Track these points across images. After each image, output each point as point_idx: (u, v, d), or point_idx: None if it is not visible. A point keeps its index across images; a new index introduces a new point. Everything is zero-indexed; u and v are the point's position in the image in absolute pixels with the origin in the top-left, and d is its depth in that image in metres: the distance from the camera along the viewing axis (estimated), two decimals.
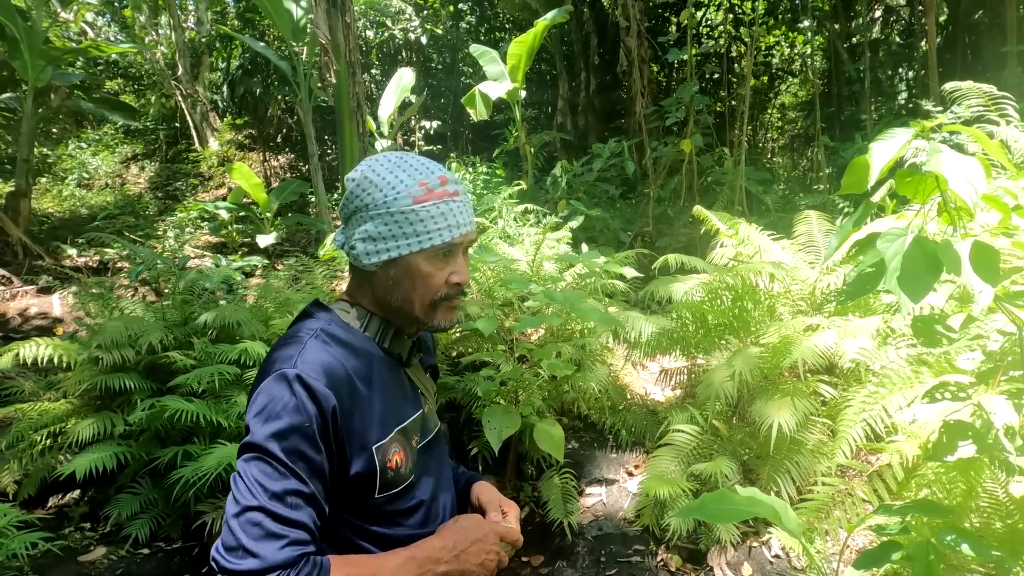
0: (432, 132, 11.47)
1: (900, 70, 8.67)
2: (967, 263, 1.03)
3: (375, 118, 9.12)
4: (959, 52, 7.40)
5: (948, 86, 3.39)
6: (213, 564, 0.93)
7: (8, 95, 8.94)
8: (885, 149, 1.16)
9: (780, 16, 8.59)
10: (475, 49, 8.05)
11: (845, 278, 3.16)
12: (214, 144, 11.90)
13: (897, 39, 8.77)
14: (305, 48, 8.28)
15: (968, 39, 7.35)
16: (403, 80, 9.17)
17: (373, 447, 1.05)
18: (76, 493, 3.24)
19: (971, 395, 1.27)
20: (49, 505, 3.22)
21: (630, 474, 3.54)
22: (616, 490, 3.42)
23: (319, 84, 8.47)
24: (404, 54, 11.93)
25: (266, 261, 7.18)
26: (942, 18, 8.02)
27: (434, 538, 1.10)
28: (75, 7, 10.61)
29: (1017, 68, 5.96)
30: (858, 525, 1.27)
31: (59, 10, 9.80)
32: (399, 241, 1.05)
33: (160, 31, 12.47)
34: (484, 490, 1.28)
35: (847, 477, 2.53)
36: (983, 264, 1.03)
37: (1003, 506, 1.66)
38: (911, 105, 7.66)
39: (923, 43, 7.82)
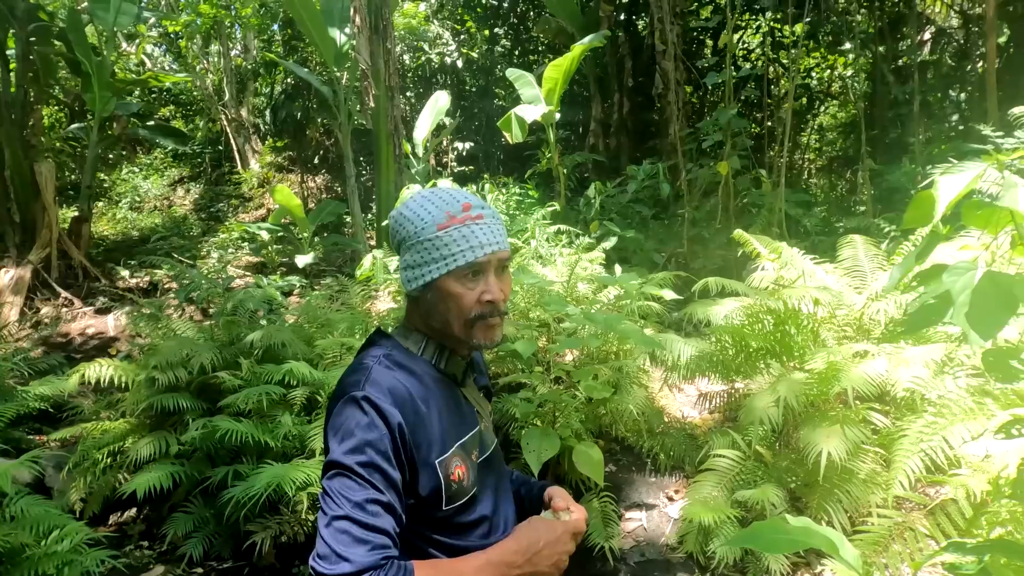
0: (465, 153, 11.64)
1: (951, 92, 8.50)
2: None
3: (410, 140, 9.30)
4: (1020, 75, 7.19)
5: (1016, 111, 3.30)
6: (311, 572, 1.02)
7: (76, 126, 9.44)
8: (954, 183, 1.16)
9: (821, 38, 8.53)
10: (511, 73, 8.17)
11: (906, 307, 3.09)
12: (255, 166, 12.27)
13: (949, 61, 8.60)
14: (346, 73, 8.53)
15: None
16: (439, 103, 9.35)
17: (436, 461, 1.12)
18: (133, 511, 3.33)
19: None
20: (110, 523, 3.32)
21: (670, 499, 3.49)
22: (657, 515, 3.37)
23: (358, 108, 8.70)
24: (439, 77, 12.18)
25: (304, 281, 7.34)
26: (1001, 39, 7.83)
27: (509, 540, 1.16)
28: (137, 40, 11.16)
29: None
30: (926, 561, 1.24)
31: (123, 44, 10.30)
32: (430, 266, 1.15)
33: (209, 59, 12.97)
34: (556, 493, 1.33)
35: (904, 510, 2.45)
36: None
37: None
38: (962, 128, 7.49)
39: (978, 65, 7.66)
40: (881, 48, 7.94)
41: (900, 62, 8.11)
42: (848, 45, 7.53)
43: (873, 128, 7.94)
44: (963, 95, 8.33)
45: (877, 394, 2.77)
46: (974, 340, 1.10)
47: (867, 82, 8.00)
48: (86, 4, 8.16)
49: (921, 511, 2.16)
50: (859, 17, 8.04)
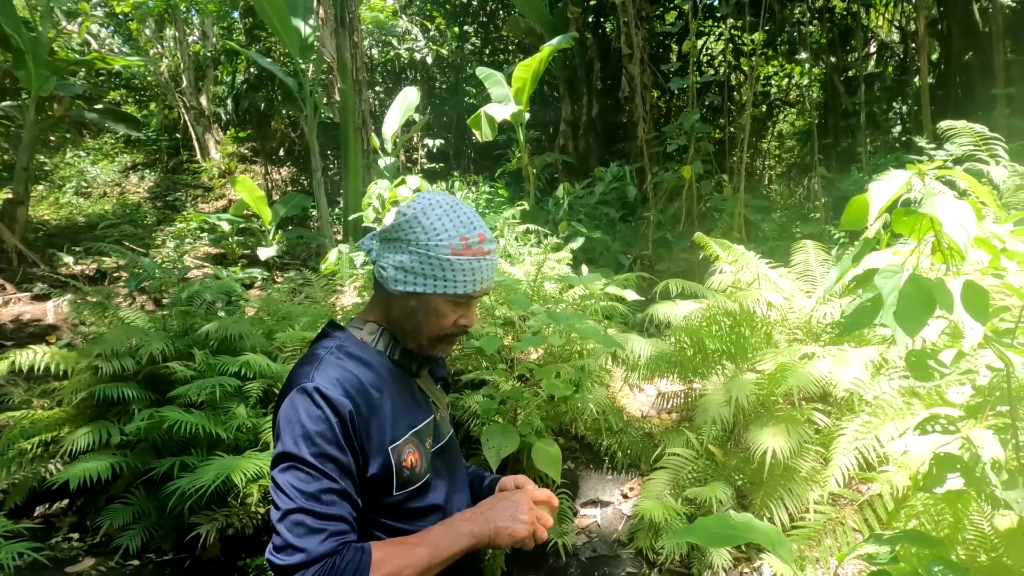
0: (435, 151, 11.58)
1: (895, 104, 8.84)
2: (959, 301, 1.08)
3: (379, 135, 9.22)
4: (951, 90, 7.56)
5: (943, 124, 3.48)
6: (267, 565, 1.04)
7: (8, 103, 9.01)
8: (883, 190, 1.22)
9: (778, 47, 8.77)
10: (481, 71, 8.18)
11: (843, 310, 3.22)
12: (216, 156, 11.98)
13: (891, 74, 8.95)
14: (312, 65, 8.39)
15: (959, 78, 7.52)
16: (408, 99, 9.29)
17: (389, 447, 1.14)
18: (64, 503, 3.21)
19: (960, 428, 1.31)
20: (36, 514, 3.19)
21: (625, 496, 3.55)
22: (611, 512, 3.43)
23: (325, 101, 8.58)
24: (408, 73, 12.10)
25: (266, 273, 7.21)
26: (934, 56, 8.20)
27: (462, 512, 1.20)
28: (79, 19, 10.74)
29: (1006, 109, 6.10)
30: (848, 554, 1.30)
31: (63, 22, 9.89)
32: (428, 280, 1.17)
33: (164, 44, 12.60)
34: (517, 477, 1.35)
35: (839, 505, 2.55)
36: (974, 302, 1.08)
37: (988, 539, 1.69)
38: (904, 139, 7.80)
39: (916, 79, 7.99)
40: (832, 59, 8.21)
41: (849, 73, 8.39)
42: (803, 55, 7.76)
43: (826, 137, 8.21)
44: (904, 108, 8.69)
45: (821, 395, 2.87)
46: (900, 338, 1.16)
47: (820, 92, 8.27)
48: None
49: (852, 507, 2.26)
50: (812, 28, 8.29)
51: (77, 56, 9.37)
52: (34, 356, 3.30)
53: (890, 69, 8.99)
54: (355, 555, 1.03)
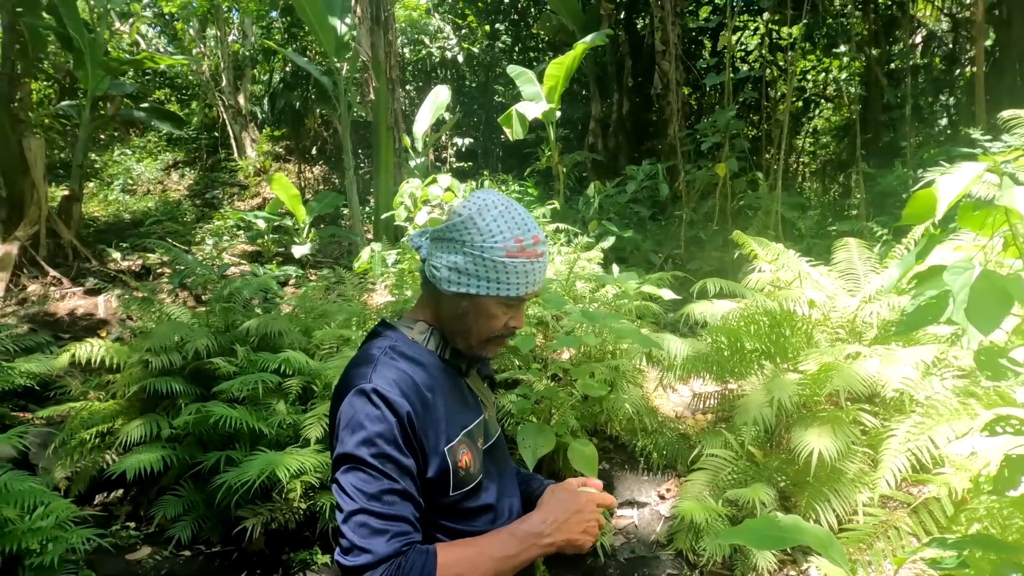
0: (464, 149, 11.63)
1: (941, 96, 8.57)
2: None
3: (410, 134, 9.29)
4: (1007, 79, 7.28)
5: (1005, 114, 3.33)
6: (337, 566, 1.05)
7: (67, 103, 9.32)
8: (953, 183, 1.18)
9: (817, 41, 8.57)
10: (512, 70, 8.17)
11: (898, 310, 3.12)
12: (252, 154, 12.22)
13: (939, 65, 8.68)
14: (346, 64, 8.49)
15: (1018, 66, 7.22)
16: (439, 98, 9.34)
17: (445, 448, 1.14)
18: (120, 492, 3.32)
19: None
20: (96, 502, 3.31)
21: (662, 497, 3.52)
22: (648, 513, 3.40)
23: (358, 99, 8.67)
24: (439, 71, 12.16)
25: (300, 271, 7.33)
26: (988, 43, 7.90)
27: (534, 513, 1.18)
28: (131, 20, 11.05)
29: None
30: (909, 557, 1.26)
31: (117, 23, 10.18)
32: (481, 282, 1.16)
33: (206, 43, 12.89)
34: (564, 481, 1.34)
35: (890, 508, 2.49)
36: None
37: None
38: (950, 132, 7.56)
39: (967, 69, 7.72)
40: (875, 51, 7.99)
41: (892, 65, 8.17)
42: (843, 48, 7.57)
43: (866, 132, 8.00)
44: (952, 99, 8.41)
45: (867, 395, 2.80)
46: (973, 335, 1.13)
47: (861, 85, 8.06)
48: None
49: (905, 509, 2.20)
50: (854, 19, 8.09)
51: (128, 56, 9.65)
52: (91, 349, 3.41)
53: (937, 60, 8.71)
54: (420, 557, 1.03)
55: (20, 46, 7.56)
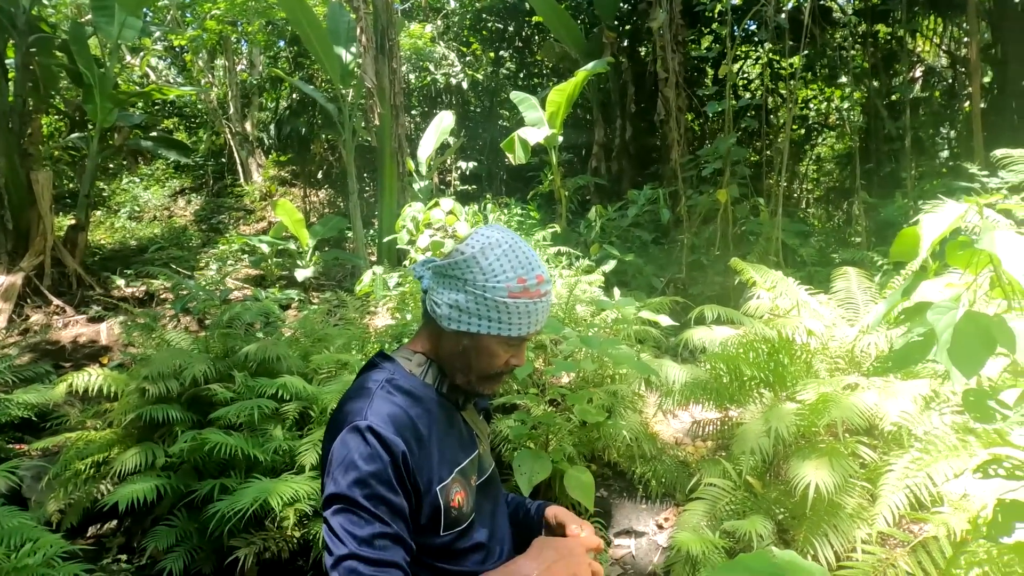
0: (468, 173, 11.73)
1: (941, 129, 8.61)
2: (1022, 341, 1.03)
3: (414, 158, 9.38)
4: (1006, 116, 7.33)
5: (998, 153, 3.36)
6: None
7: (76, 135, 9.51)
8: (936, 223, 1.18)
9: (818, 71, 8.65)
10: (515, 96, 8.28)
11: (891, 343, 3.10)
12: (258, 179, 12.36)
13: (938, 99, 8.74)
14: (351, 91, 8.63)
15: (1014, 104, 7.28)
16: (443, 123, 9.45)
17: (437, 488, 1.13)
18: (114, 523, 3.29)
19: None
20: (88, 535, 3.27)
21: (660, 527, 3.47)
22: (645, 542, 3.35)
23: (363, 125, 8.78)
24: (444, 97, 12.32)
25: (303, 294, 7.35)
26: (987, 79, 7.97)
27: (522, 558, 1.16)
28: (141, 54, 11.29)
29: None
30: None
31: (127, 56, 10.40)
32: (483, 321, 1.15)
33: (215, 73, 13.13)
34: (559, 511, 1.34)
35: (889, 546, 2.44)
36: None
37: None
38: (952, 164, 7.58)
39: (965, 104, 7.77)
40: (875, 83, 8.07)
41: (893, 98, 8.23)
42: (844, 79, 7.64)
43: (868, 161, 8.04)
44: (952, 132, 8.45)
45: (866, 427, 2.77)
46: (956, 378, 1.12)
47: (862, 116, 8.11)
48: (90, 17, 8.27)
49: (904, 548, 2.16)
50: (853, 52, 8.17)
51: (137, 88, 9.88)
52: (88, 378, 3.40)
53: (937, 94, 8.78)
54: None
55: (32, 83, 7.80)
